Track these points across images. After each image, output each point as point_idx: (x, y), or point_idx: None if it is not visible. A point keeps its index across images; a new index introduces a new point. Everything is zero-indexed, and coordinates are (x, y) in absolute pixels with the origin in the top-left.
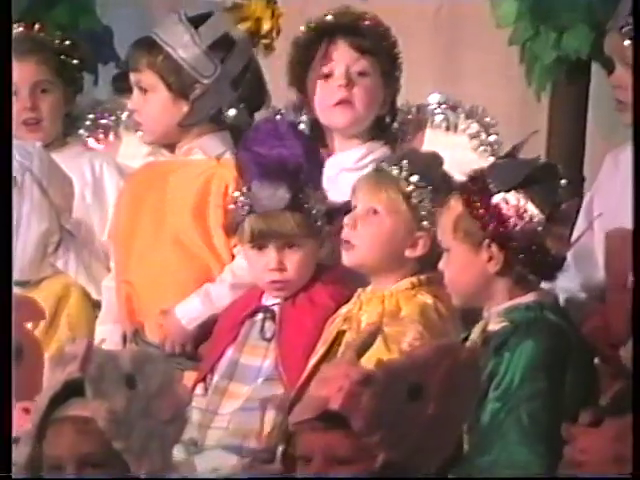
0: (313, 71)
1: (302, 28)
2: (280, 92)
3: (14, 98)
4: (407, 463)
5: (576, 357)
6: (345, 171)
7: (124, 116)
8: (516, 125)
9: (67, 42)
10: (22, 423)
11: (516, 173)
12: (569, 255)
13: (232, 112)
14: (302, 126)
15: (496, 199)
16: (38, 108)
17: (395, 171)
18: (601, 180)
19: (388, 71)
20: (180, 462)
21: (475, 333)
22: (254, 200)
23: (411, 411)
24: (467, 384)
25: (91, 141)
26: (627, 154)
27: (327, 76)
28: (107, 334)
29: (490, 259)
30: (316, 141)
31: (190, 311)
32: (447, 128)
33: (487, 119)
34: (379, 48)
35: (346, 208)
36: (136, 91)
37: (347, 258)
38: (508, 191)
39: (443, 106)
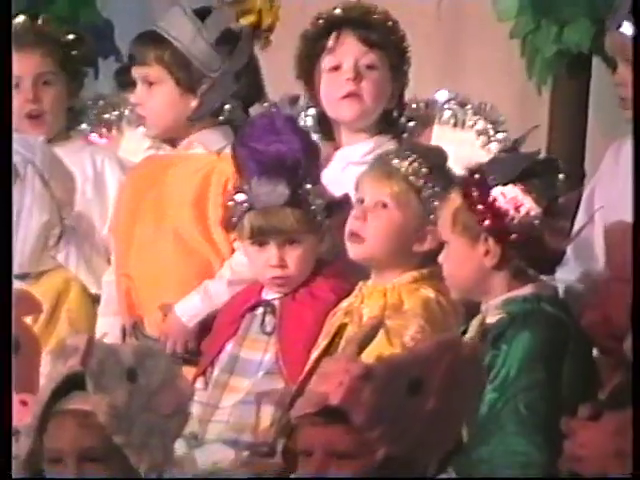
0: (321, 64)
1: (314, 19)
2: (277, 87)
3: (16, 90)
4: (408, 458)
5: (574, 348)
6: (352, 165)
7: (127, 111)
8: (517, 119)
9: (71, 35)
10: (19, 416)
11: (515, 166)
12: (568, 248)
13: (226, 107)
14: (303, 119)
15: (494, 193)
16: (40, 100)
17: (404, 164)
18: (602, 172)
19: (396, 65)
20: (181, 456)
21: (473, 326)
22: (253, 197)
23: (412, 406)
24: (468, 379)
25: (94, 136)
26: (628, 147)
27: (335, 69)
28: (107, 327)
29: (487, 253)
30: (322, 134)
31: (190, 309)
32: (455, 124)
33: (495, 116)
34: (387, 42)
35: (346, 201)
36: (140, 85)
37: (354, 251)
38: (506, 184)
39: (452, 102)
